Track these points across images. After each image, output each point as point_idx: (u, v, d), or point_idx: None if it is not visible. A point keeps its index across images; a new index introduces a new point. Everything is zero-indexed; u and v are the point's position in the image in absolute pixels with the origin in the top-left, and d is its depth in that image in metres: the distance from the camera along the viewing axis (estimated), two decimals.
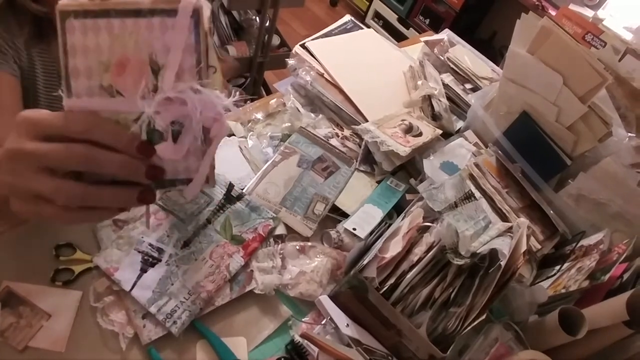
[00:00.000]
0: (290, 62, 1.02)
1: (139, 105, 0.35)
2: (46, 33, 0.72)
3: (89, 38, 0.36)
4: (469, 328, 0.63)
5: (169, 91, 0.35)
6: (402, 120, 0.96)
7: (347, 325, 0.69)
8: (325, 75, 1.00)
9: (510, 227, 0.74)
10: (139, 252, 0.68)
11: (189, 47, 0.35)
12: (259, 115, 0.96)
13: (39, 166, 0.36)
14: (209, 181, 0.39)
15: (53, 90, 0.76)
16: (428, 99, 1.03)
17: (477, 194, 0.83)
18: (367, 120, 0.95)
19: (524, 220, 0.74)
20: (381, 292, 0.64)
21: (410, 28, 2.85)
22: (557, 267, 0.77)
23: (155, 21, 0.35)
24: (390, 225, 0.77)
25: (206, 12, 0.36)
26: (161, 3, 0.35)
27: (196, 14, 0.35)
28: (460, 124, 1.06)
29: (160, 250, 0.69)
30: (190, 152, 0.38)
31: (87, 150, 0.36)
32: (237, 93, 0.38)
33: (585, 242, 0.80)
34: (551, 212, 0.85)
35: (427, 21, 2.75)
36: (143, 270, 0.67)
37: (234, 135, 0.91)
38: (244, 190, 0.80)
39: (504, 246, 0.67)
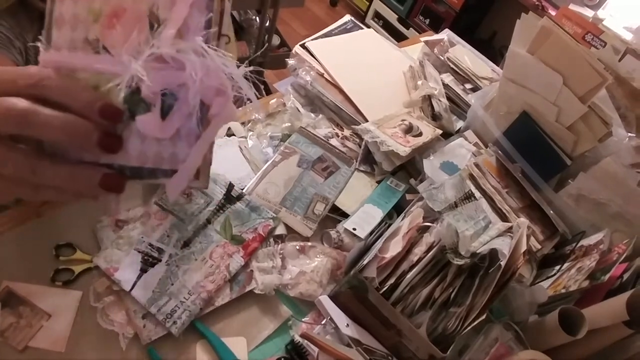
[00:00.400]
0: (290, 62, 1.02)
1: (123, 61, 0.28)
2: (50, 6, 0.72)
3: None
4: (469, 328, 0.63)
5: (164, 47, 0.28)
6: (402, 120, 0.96)
7: (347, 325, 0.69)
8: (325, 75, 1.00)
9: (510, 227, 0.74)
10: (139, 252, 0.69)
11: (199, 1, 0.29)
12: (259, 115, 0.96)
13: None
14: (199, 177, 0.31)
15: None
16: (428, 99, 1.03)
17: (477, 194, 0.83)
18: (367, 120, 0.95)
19: (524, 220, 0.74)
20: (381, 292, 0.64)
21: (410, 28, 2.85)
22: (557, 267, 0.77)
23: None
24: (390, 225, 0.77)
25: None
26: None
27: None
28: (460, 124, 1.06)
29: (160, 250, 0.69)
30: (180, 135, 0.30)
31: (23, 105, 0.28)
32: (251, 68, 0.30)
33: (585, 242, 0.80)
34: (551, 212, 0.85)
35: (427, 21, 2.75)
36: (143, 270, 0.67)
37: (234, 135, 0.91)
38: (244, 190, 0.80)
39: (504, 246, 0.67)
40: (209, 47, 0.28)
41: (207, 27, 0.29)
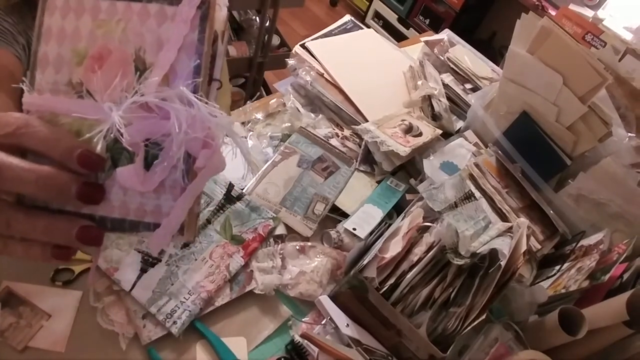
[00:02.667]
0: (290, 62, 1.02)
1: (105, 110, 0.27)
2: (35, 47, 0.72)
3: (68, 20, 0.29)
4: (469, 328, 0.63)
5: (148, 94, 0.26)
6: (402, 120, 0.96)
7: (347, 325, 0.69)
8: (325, 75, 1.00)
9: (510, 227, 0.74)
10: (139, 252, 0.68)
11: (188, 45, 0.27)
12: (259, 115, 0.96)
13: None
14: (184, 232, 0.28)
15: None
16: (428, 99, 1.03)
17: (477, 194, 0.83)
18: (367, 120, 0.95)
19: (524, 220, 0.74)
20: (381, 292, 0.64)
21: (410, 28, 2.84)
22: (557, 267, 0.77)
23: (153, 8, 0.28)
24: (390, 225, 0.77)
25: (222, 11, 0.29)
26: None
27: (205, 5, 0.27)
28: (460, 124, 1.06)
29: (160, 250, 0.69)
30: (164, 188, 0.28)
31: None
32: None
33: (585, 242, 0.80)
34: (551, 212, 0.85)
35: (427, 21, 2.75)
36: (143, 270, 0.67)
37: None
38: (244, 190, 0.80)
39: (504, 246, 0.67)
40: (196, 95, 0.26)
41: (197, 72, 0.27)
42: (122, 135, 0.26)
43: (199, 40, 0.27)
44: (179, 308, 0.65)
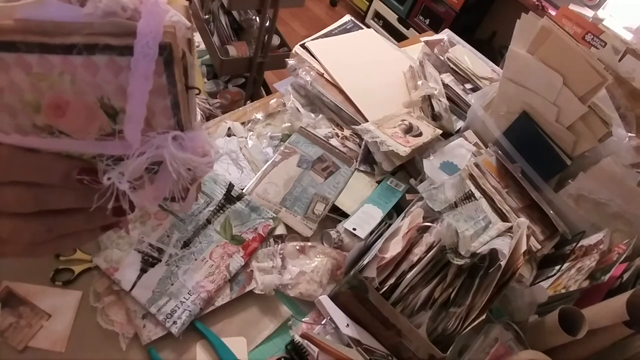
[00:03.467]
0: (290, 62, 1.02)
1: (95, 148, 0.27)
2: None
3: None
4: (469, 328, 0.63)
5: (138, 149, 0.26)
6: (402, 120, 0.96)
7: (347, 325, 0.69)
8: (325, 75, 1.00)
9: (510, 227, 0.74)
10: (139, 252, 0.68)
11: (159, 89, 0.25)
12: (259, 115, 0.96)
13: None
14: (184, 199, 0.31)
15: None
16: (428, 99, 1.03)
17: (477, 194, 0.83)
18: (367, 120, 0.95)
19: (524, 220, 0.74)
20: (381, 292, 0.64)
21: (410, 28, 2.85)
22: (557, 267, 0.77)
23: (100, 60, 0.24)
24: (390, 225, 0.77)
25: (180, 30, 0.25)
26: (104, 36, 0.24)
27: (166, 50, 0.24)
28: (460, 124, 1.06)
29: (160, 250, 0.69)
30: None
31: (28, 190, 0.27)
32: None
33: (585, 242, 0.80)
34: (551, 212, 0.85)
35: (427, 21, 2.75)
36: (143, 270, 0.67)
37: (234, 135, 0.91)
38: (244, 190, 0.80)
39: (504, 246, 0.67)
40: (179, 122, 0.27)
41: (175, 108, 0.27)
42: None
43: (170, 83, 0.26)
44: (179, 308, 0.65)
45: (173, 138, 0.27)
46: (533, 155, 0.89)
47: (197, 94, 0.30)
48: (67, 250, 0.32)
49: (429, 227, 0.72)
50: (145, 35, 0.23)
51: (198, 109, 0.31)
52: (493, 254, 0.67)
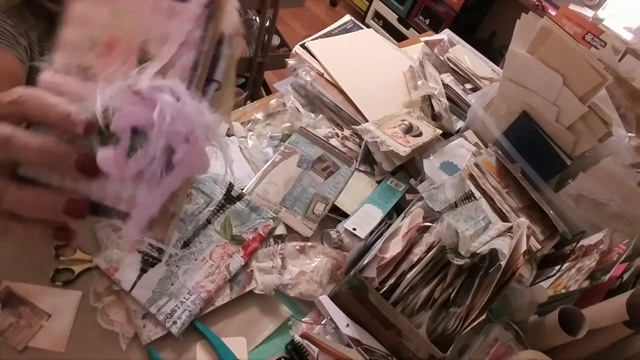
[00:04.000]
0: (290, 62, 1.02)
1: (98, 88, 0.27)
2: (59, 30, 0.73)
3: (90, 8, 0.30)
4: (469, 328, 0.63)
5: (140, 81, 0.27)
6: (402, 120, 0.96)
7: (347, 325, 0.69)
8: (325, 75, 1.00)
9: (510, 227, 0.74)
10: (139, 252, 0.68)
11: (190, 41, 0.29)
12: (259, 115, 0.96)
13: None
14: (154, 228, 0.29)
15: None
16: (428, 99, 1.03)
17: (477, 194, 0.83)
18: (367, 120, 0.95)
19: (524, 220, 0.74)
20: (381, 292, 0.64)
21: (410, 28, 2.85)
22: (557, 267, 0.77)
23: (164, 3, 0.29)
24: (390, 225, 0.77)
25: (232, 15, 0.30)
26: None
27: (213, 4, 0.29)
28: (460, 124, 1.06)
29: (160, 250, 0.69)
30: (142, 178, 0.27)
31: (5, 130, 0.28)
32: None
33: (585, 242, 0.80)
34: (551, 212, 0.85)
35: (427, 21, 2.75)
36: (143, 270, 0.67)
37: (233, 135, 0.91)
38: (244, 190, 0.80)
39: (504, 246, 0.67)
40: (189, 89, 0.27)
41: (194, 68, 0.28)
42: (108, 114, 0.26)
43: (201, 38, 0.28)
44: (179, 308, 0.65)
45: (173, 89, 0.26)
46: (533, 155, 0.89)
47: (217, 89, 0.31)
48: (13, 235, 0.31)
49: (429, 227, 0.72)
50: None
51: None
52: (493, 254, 0.67)
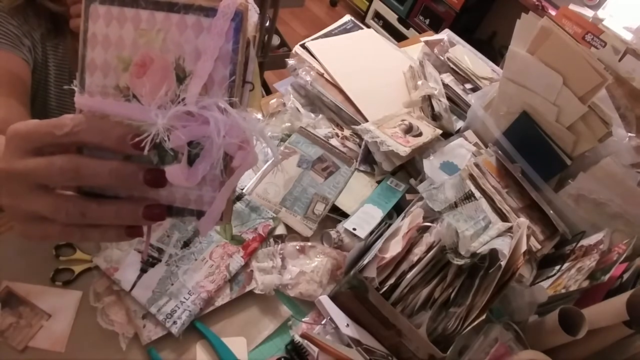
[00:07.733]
0: (290, 62, 1.02)
1: (152, 115, 0.30)
2: (61, 30, 0.74)
3: (112, 28, 0.31)
4: (469, 328, 0.63)
5: (190, 104, 0.29)
6: (402, 120, 0.96)
7: (347, 325, 0.69)
8: (325, 75, 1.00)
9: (510, 227, 0.74)
10: (139, 252, 0.68)
11: (224, 55, 0.30)
12: (259, 116, 0.96)
13: (31, 184, 0.33)
14: (223, 218, 0.33)
15: (63, 84, 0.78)
16: (428, 99, 1.03)
17: (477, 194, 0.83)
18: (367, 120, 0.95)
19: (524, 220, 0.74)
20: (381, 292, 0.64)
21: (410, 28, 2.85)
22: (557, 267, 0.77)
23: (190, 19, 0.30)
24: (390, 225, 0.77)
25: (252, 18, 0.31)
26: None
27: (239, 17, 0.29)
28: (460, 124, 1.06)
29: (160, 250, 0.69)
30: (205, 181, 0.32)
31: (70, 160, 0.31)
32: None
33: (585, 242, 0.80)
34: (551, 212, 0.85)
35: (427, 21, 2.75)
36: (143, 270, 0.67)
37: None
38: (244, 190, 0.80)
39: (504, 246, 0.67)
40: (231, 100, 0.30)
41: (232, 80, 0.30)
42: (167, 139, 0.29)
43: (234, 51, 0.30)
44: (179, 308, 0.65)
45: (220, 106, 0.29)
46: (533, 155, 0.89)
47: (250, 90, 0.33)
48: (92, 241, 0.37)
49: (429, 227, 0.72)
50: (228, 1, 0.29)
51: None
52: (493, 254, 0.67)
